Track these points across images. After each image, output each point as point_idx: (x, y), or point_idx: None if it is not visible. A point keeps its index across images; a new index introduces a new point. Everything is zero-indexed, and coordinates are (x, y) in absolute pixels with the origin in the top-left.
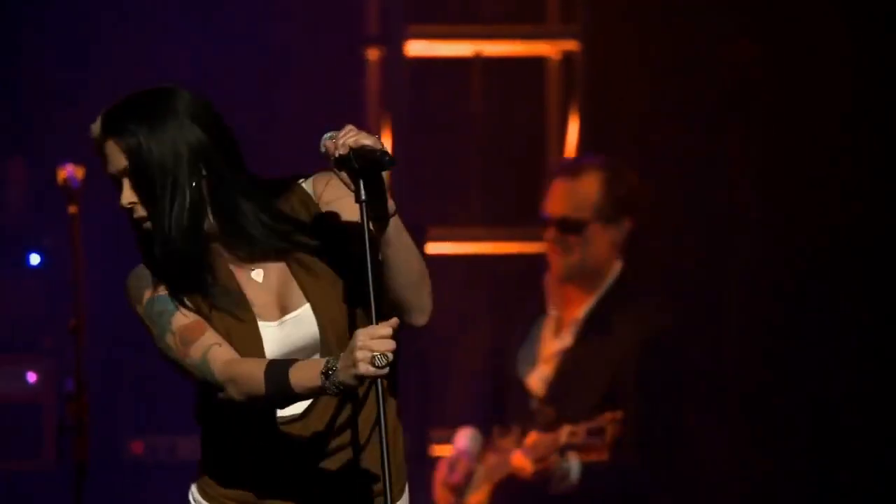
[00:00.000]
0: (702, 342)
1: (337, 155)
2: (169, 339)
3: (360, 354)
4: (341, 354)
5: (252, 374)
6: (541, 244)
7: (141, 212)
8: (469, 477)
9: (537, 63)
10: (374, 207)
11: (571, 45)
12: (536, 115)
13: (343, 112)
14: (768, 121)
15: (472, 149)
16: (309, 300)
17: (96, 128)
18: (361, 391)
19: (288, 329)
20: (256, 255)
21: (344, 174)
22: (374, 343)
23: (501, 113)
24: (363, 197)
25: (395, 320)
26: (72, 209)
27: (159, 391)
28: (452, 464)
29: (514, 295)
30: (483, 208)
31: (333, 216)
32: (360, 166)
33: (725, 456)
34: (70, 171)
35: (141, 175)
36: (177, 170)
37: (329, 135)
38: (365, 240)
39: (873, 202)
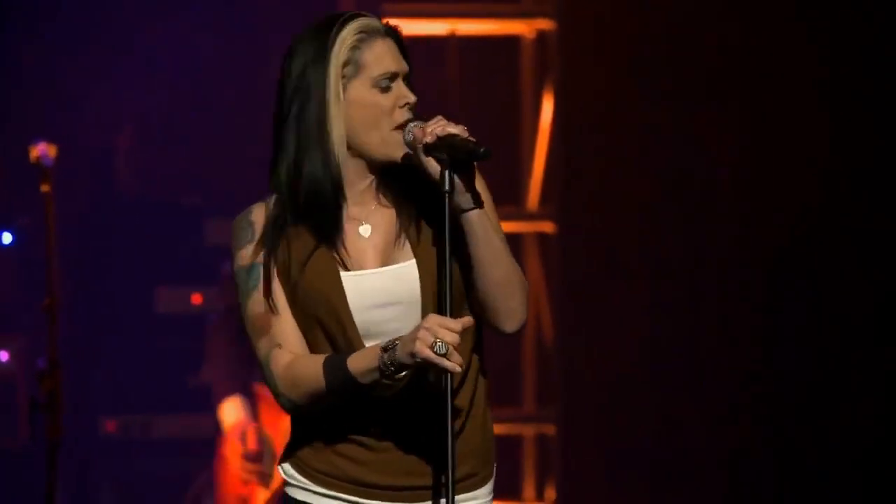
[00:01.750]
0: (677, 323)
1: (425, 143)
2: (247, 321)
3: (422, 334)
4: (403, 336)
5: (310, 369)
6: (517, 223)
7: (410, 114)
8: (262, 442)
9: (512, 41)
10: (461, 199)
11: (546, 23)
12: (511, 94)
13: None
14: (746, 101)
15: None
16: (416, 256)
17: (373, 21)
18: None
19: (386, 278)
20: (371, 210)
21: (431, 162)
22: (440, 330)
23: (476, 91)
24: (447, 187)
25: (468, 319)
26: (44, 188)
27: (133, 369)
28: (242, 436)
29: None
30: None
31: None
32: (448, 156)
33: (704, 441)
34: (42, 150)
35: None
36: None
37: (416, 122)
38: (445, 231)
39: (851, 184)
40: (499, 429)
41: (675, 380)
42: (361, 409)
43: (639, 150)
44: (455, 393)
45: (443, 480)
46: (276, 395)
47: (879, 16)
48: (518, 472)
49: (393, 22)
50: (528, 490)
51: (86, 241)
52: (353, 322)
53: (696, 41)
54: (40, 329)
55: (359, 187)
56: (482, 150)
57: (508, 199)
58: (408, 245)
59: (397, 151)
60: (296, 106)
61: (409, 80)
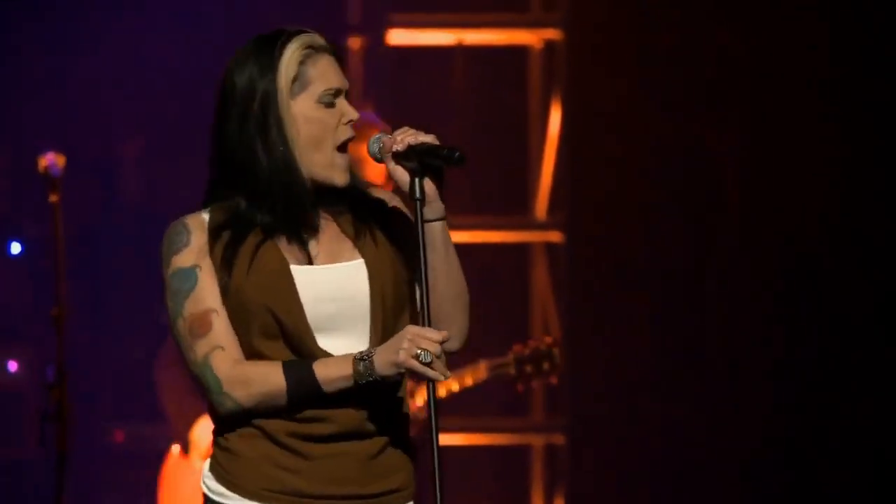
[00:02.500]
0: (685, 332)
1: (395, 150)
2: (180, 324)
3: (406, 344)
4: (378, 347)
5: (267, 371)
6: (525, 232)
7: (352, 132)
8: None
9: (519, 51)
10: (429, 208)
11: (553, 33)
12: (518, 104)
13: None
14: (751, 109)
15: (453, 137)
16: (363, 257)
17: (317, 37)
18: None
19: (334, 274)
20: (315, 222)
21: (399, 171)
22: (422, 341)
23: (484, 101)
24: (418, 195)
25: (446, 332)
26: (53, 198)
27: (141, 379)
28: None
29: (498, 283)
30: (465, 197)
31: (403, 215)
32: (420, 164)
33: (712, 449)
34: (51, 160)
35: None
36: None
37: (381, 133)
38: (420, 239)
39: (856, 191)
40: (507, 439)
41: (684, 388)
42: (300, 415)
43: (646, 159)
44: (388, 407)
45: (384, 489)
46: (215, 394)
47: (880, 17)
48: (527, 482)
49: (397, 32)
50: (537, 500)
51: (94, 250)
52: (304, 312)
53: (703, 49)
54: (49, 339)
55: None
56: (457, 154)
57: (516, 208)
58: (352, 248)
59: (339, 177)
60: (245, 116)
61: (349, 98)
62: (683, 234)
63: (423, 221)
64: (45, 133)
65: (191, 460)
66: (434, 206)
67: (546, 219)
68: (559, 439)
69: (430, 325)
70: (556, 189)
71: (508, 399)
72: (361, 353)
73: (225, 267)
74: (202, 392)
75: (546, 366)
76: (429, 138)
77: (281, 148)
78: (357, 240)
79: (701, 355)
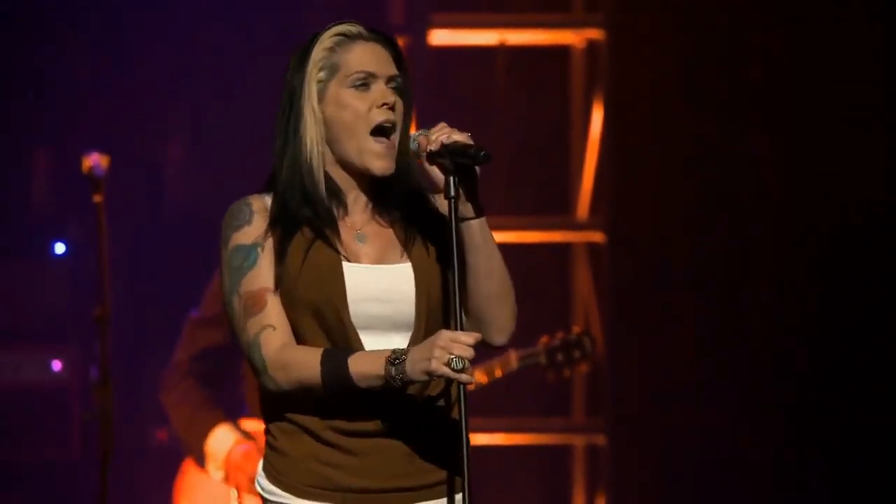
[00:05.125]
0: (726, 333)
1: (429, 150)
2: (235, 301)
3: (438, 352)
4: (412, 348)
5: (306, 359)
6: (566, 233)
7: (389, 115)
8: None
9: (562, 52)
10: (465, 207)
11: (596, 33)
12: (561, 104)
13: None
14: (795, 112)
15: (496, 138)
16: (411, 259)
17: (355, 26)
18: (420, 390)
19: (382, 274)
20: (366, 222)
21: (435, 170)
22: (455, 346)
23: (526, 102)
24: (452, 194)
25: (478, 334)
26: (96, 198)
27: None
28: (247, 455)
29: (537, 284)
30: (507, 197)
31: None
32: (452, 162)
33: (753, 450)
34: (95, 160)
35: (407, 90)
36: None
37: (421, 131)
38: (453, 237)
39: None
40: (549, 439)
41: (725, 390)
42: (342, 413)
43: (688, 160)
44: (433, 402)
45: (427, 482)
46: (261, 374)
47: None
48: (568, 483)
49: (439, 33)
50: (579, 500)
51: (137, 251)
52: (349, 310)
53: (747, 50)
54: (92, 339)
55: (350, 196)
56: (482, 153)
57: (558, 208)
58: (402, 250)
59: (376, 164)
60: (282, 111)
61: (405, 88)
62: (726, 236)
63: (459, 220)
64: (89, 134)
65: (207, 471)
66: (468, 206)
67: (588, 219)
68: (600, 440)
69: (461, 328)
70: (597, 189)
71: (550, 400)
72: (395, 353)
73: (280, 258)
74: (253, 371)
75: (577, 354)
76: (462, 137)
77: (295, 145)
78: (408, 243)
79: (743, 356)
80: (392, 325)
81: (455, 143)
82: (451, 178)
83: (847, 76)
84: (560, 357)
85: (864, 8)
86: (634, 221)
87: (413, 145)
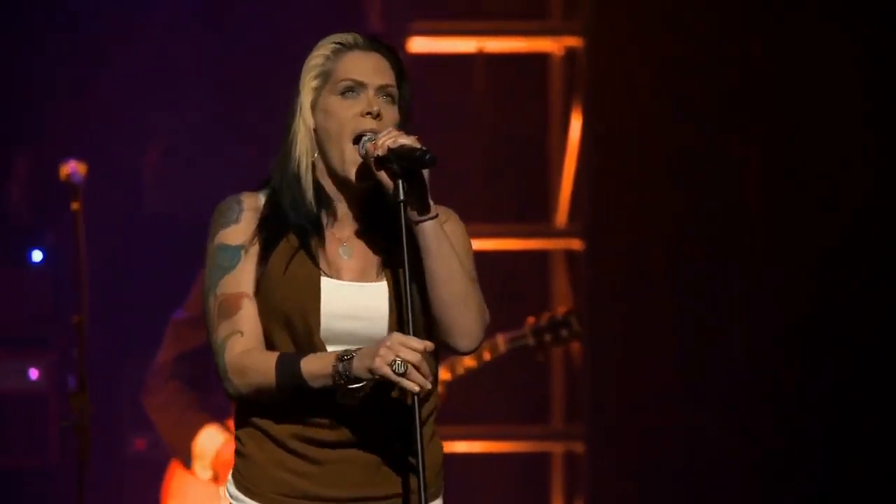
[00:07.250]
0: (706, 340)
1: (376, 155)
2: (211, 300)
3: (383, 351)
4: (363, 347)
5: (262, 363)
6: (545, 240)
7: (374, 124)
8: None
9: (540, 59)
10: (414, 210)
11: (574, 41)
12: (539, 112)
13: None
14: (772, 118)
15: (474, 145)
16: (387, 279)
17: (352, 36)
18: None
19: (359, 293)
20: (351, 234)
21: (384, 175)
22: (402, 349)
23: (504, 109)
24: (401, 197)
25: (430, 343)
26: (74, 205)
27: None
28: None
29: (517, 291)
30: (485, 205)
31: (452, 234)
32: (399, 167)
33: (732, 459)
34: (73, 168)
35: (403, 100)
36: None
37: (367, 137)
38: (403, 242)
39: (881, 200)
40: (527, 446)
41: (705, 397)
42: (308, 422)
43: (667, 168)
44: (399, 413)
45: (391, 492)
46: (222, 379)
47: None
48: (547, 490)
49: (418, 40)
50: None
51: (115, 258)
52: (321, 325)
53: (725, 58)
54: (70, 347)
55: (340, 207)
56: (427, 156)
57: (536, 215)
58: (380, 268)
59: (353, 171)
60: (287, 116)
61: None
62: (705, 243)
63: (410, 223)
64: (66, 140)
65: (194, 472)
66: (419, 208)
67: (566, 226)
68: (579, 447)
69: (412, 334)
70: (576, 196)
71: (528, 407)
72: (345, 351)
73: (262, 263)
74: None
75: (564, 333)
76: (409, 140)
77: (286, 152)
78: (388, 260)
79: (722, 364)
80: (363, 343)
81: (402, 146)
82: (399, 182)
83: (826, 82)
84: (548, 337)
85: (842, 14)
86: (613, 229)
87: (361, 150)
